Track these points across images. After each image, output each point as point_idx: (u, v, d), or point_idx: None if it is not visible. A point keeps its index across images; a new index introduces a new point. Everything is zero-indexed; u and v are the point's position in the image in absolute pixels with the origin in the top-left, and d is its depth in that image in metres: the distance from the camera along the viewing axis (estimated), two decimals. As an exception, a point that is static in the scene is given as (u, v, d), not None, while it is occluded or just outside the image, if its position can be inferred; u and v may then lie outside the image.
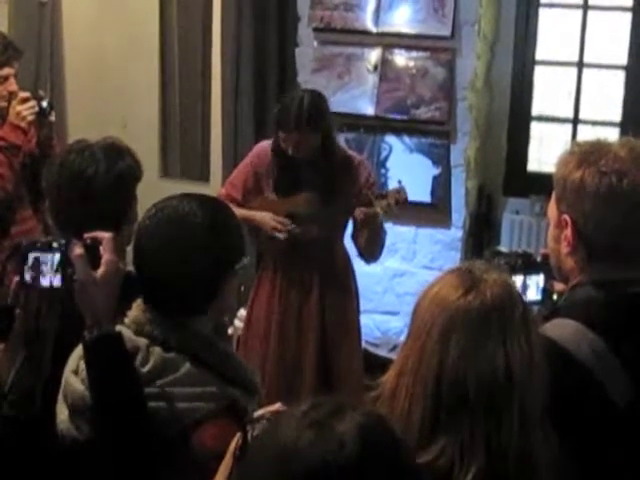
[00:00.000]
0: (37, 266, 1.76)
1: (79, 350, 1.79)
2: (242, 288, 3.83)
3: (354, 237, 3.59)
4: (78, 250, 1.73)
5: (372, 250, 3.57)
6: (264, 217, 3.54)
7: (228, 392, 1.76)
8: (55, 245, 1.76)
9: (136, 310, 1.83)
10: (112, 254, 1.76)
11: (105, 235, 1.79)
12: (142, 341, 1.78)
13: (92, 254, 1.76)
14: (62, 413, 1.79)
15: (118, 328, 1.78)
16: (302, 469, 1.15)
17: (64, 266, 1.75)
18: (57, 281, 1.76)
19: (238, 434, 1.47)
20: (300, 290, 3.62)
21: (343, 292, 3.68)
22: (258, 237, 3.63)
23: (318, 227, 3.52)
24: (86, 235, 1.80)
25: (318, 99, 3.51)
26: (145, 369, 1.74)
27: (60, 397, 1.81)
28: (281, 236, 3.50)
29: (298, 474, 1.15)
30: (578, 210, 1.74)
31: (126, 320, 1.82)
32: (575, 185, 1.74)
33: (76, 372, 1.79)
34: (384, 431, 1.23)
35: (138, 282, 1.82)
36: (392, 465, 1.20)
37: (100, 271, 1.74)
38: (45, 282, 1.77)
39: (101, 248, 1.77)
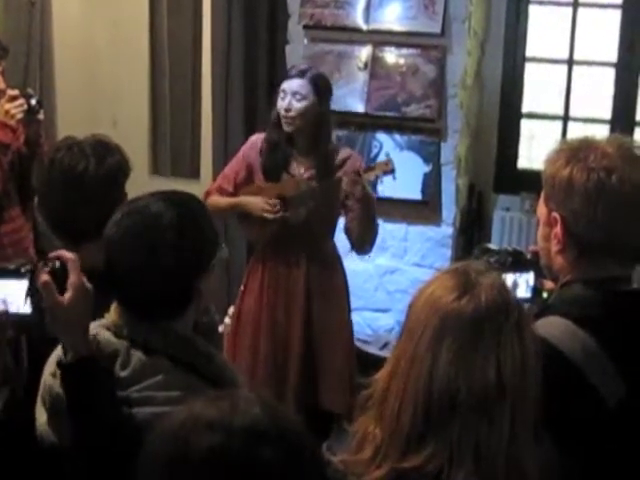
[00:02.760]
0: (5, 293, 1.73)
1: (57, 352, 1.76)
2: (242, 288, 3.80)
3: (346, 228, 3.58)
4: (44, 277, 1.68)
5: (364, 235, 3.55)
6: (253, 201, 3.57)
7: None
8: (22, 271, 1.72)
9: (114, 313, 1.80)
10: (78, 275, 1.71)
11: (68, 256, 1.73)
12: (122, 344, 1.75)
13: (61, 276, 1.70)
14: (41, 416, 1.77)
15: (100, 332, 1.75)
16: (203, 439, 1.14)
17: (32, 294, 1.71)
18: (27, 307, 1.73)
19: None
20: (287, 283, 3.61)
21: (330, 289, 3.66)
22: (248, 225, 3.65)
23: (307, 210, 3.52)
24: (51, 255, 1.75)
25: (325, 75, 3.67)
26: (125, 373, 1.72)
27: (39, 400, 1.79)
28: (270, 216, 3.51)
29: (203, 441, 1.14)
30: (567, 207, 1.74)
31: (104, 321, 1.80)
32: (563, 182, 1.74)
33: (54, 375, 1.75)
34: (278, 403, 1.24)
35: (110, 286, 1.78)
36: (293, 427, 1.21)
37: (67, 296, 1.69)
38: (15, 309, 1.73)
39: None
